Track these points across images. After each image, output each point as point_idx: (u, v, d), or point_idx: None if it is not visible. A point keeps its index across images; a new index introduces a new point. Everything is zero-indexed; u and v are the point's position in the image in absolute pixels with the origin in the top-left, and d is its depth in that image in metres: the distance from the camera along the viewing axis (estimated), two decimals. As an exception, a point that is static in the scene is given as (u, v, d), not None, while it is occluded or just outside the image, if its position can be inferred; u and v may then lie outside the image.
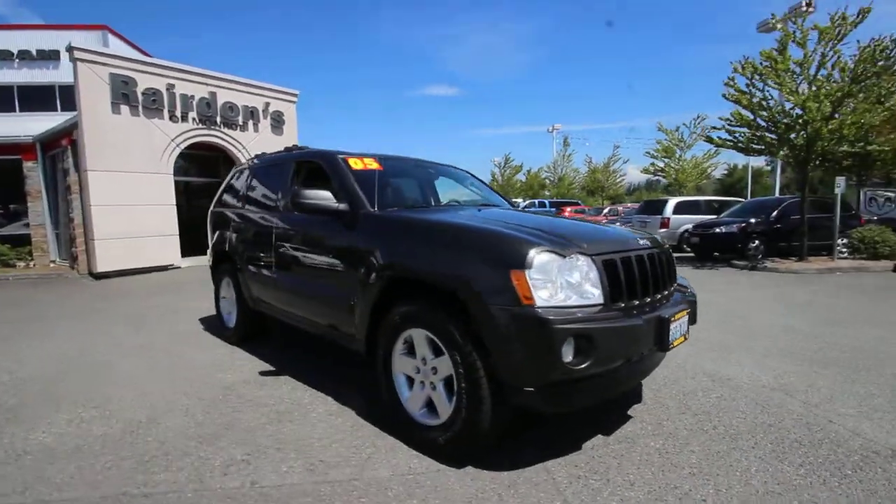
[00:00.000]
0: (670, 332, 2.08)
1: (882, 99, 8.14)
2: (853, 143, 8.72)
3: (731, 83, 9.30)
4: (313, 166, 3.38)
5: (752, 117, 9.43)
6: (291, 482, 1.98)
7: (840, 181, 9.35)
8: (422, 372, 2.24)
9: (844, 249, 9.73)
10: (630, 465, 2.08)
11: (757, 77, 8.87)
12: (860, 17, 7.93)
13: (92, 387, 3.14)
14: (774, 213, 10.32)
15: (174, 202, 10.59)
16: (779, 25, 15.02)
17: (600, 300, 1.94)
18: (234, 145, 11.81)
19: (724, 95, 9.91)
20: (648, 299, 2.16)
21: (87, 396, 2.97)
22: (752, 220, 10.13)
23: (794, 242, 9.70)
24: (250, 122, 12.06)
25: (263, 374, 3.35)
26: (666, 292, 2.32)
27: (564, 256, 1.93)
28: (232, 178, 4.49)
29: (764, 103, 9.07)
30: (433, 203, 3.46)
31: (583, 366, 1.82)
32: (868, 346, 3.81)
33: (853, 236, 9.39)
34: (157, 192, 10.21)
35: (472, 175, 4.07)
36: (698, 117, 18.53)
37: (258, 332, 4.14)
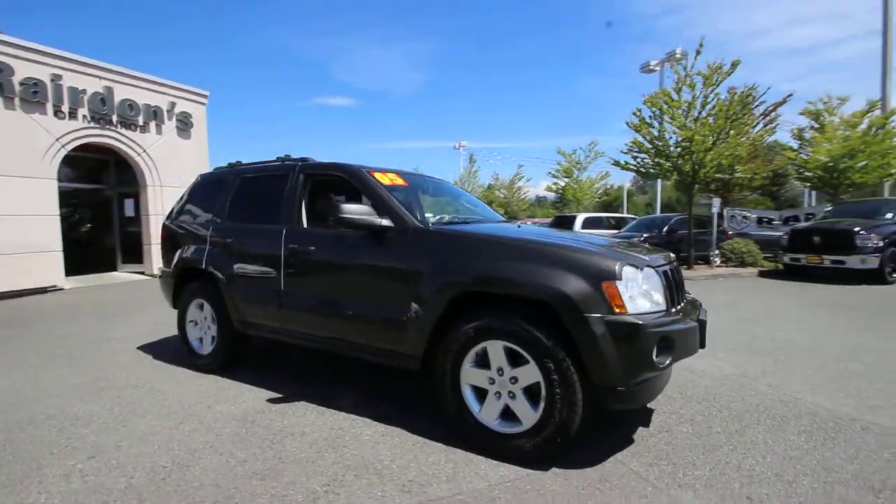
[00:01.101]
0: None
1: (746, 135, 10.07)
2: (725, 170, 10.61)
3: (638, 114, 10.74)
4: (332, 179, 3.26)
5: (649, 146, 10.98)
6: (395, 506, 1.93)
7: (716, 202, 11.27)
8: (497, 382, 2.32)
9: (717, 259, 11.69)
10: (681, 450, 2.38)
11: (657, 111, 10.39)
12: (732, 68, 9.75)
13: (65, 435, 2.64)
14: (665, 227, 12.03)
15: (58, 212, 9.00)
16: (657, 68, 17.59)
17: (664, 306, 2.24)
18: (132, 148, 10.44)
19: (627, 123, 11.40)
20: (681, 306, 2.51)
21: (67, 447, 2.49)
22: (647, 235, 11.70)
23: (682, 253, 11.41)
24: (153, 124, 10.78)
25: (273, 401, 3.10)
26: (685, 300, 2.71)
27: (640, 269, 2.19)
28: (200, 188, 4.07)
29: (661, 134, 10.62)
30: (450, 218, 3.48)
31: (665, 364, 2.08)
32: (785, 336, 4.72)
33: (725, 248, 11.33)
34: (36, 200, 8.60)
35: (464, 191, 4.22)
36: (592, 143, 20.82)
37: (240, 357, 3.79)
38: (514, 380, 2.27)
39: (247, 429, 2.69)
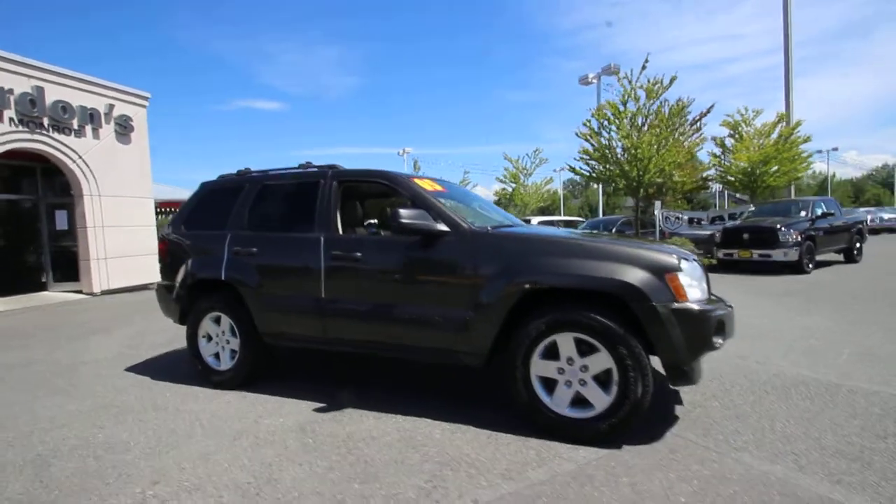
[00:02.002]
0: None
1: (685, 142, 11.17)
2: (666, 175, 11.66)
3: (587, 124, 11.52)
4: (370, 187, 3.28)
5: (598, 154, 11.82)
6: (505, 492, 2.05)
7: (658, 204, 12.31)
8: (567, 372, 2.51)
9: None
10: (723, 420, 2.71)
11: (604, 122, 11.21)
12: (671, 83, 10.77)
13: (107, 464, 2.46)
14: (614, 229, 12.98)
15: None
16: (594, 81, 18.81)
17: (707, 295, 2.56)
18: (67, 154, 9.52)
19: (577, 133, 12.19)
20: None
21: (119, 475, 2.34)
22: (600, 235, 12.57)
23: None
24: (89, 127, 9.90)
25: (320, 410, 3.06)
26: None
27: (689, 261, 2.49)
28: (208, 197, 3.90)
29: (609, 143, 11.48)
30: (499, 221, 3.49)
31: (720, 344, 2.39)
32: (747, 322, 5.34)
33: (667, 246, 12.43)
34: (-44, 213, 7.57)
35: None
36: (536, 150, 21.83)
37: (264, 370, 3.67)
38: (585, 368, 2.48)
39: (312, 438, 2.66)
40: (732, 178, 14.56)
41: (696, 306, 2.34)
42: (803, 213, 10.89)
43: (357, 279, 3.08)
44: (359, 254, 3.06)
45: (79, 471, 2.41)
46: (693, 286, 2.42)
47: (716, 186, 16.62)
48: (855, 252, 11.37)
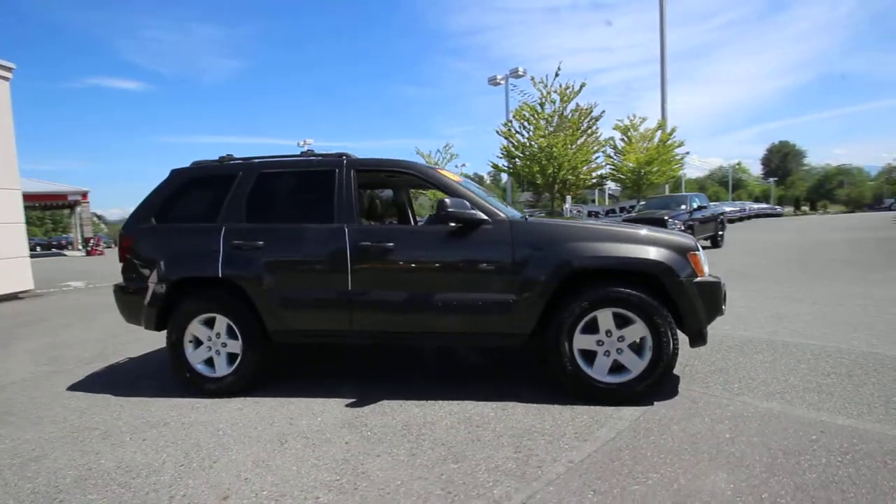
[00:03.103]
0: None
1: (594, 143, 12.47)
2: (578, 172, 12.91)
3: (509, 124, 12.24)
4: (391, 177, 3.23)
5: (517, 151, 12.66)
6: (590, 450, 2.26)
7: (568, 199, 13.56)
8: (606, 343, 2.82)
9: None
10: (712, 375, 3.24)
11: (524, 122, 12.04)
12: (581, 88, 11.92)
13: (148, 488, 2.18)
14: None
15: None
16: (502, 83, 19.83)
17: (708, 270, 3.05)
18: None
19: (497, 131, 12.89)
20: None
21: (172, 497, 2.09)
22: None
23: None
24: (-72, 101, 7.90)
25: (354, 405, 2.99)
26: None
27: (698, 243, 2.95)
28: (187, 186, 3.48)
29: (528, 141, 12.35)
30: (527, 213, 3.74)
31: (724, 310, 2.88)
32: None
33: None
34: None
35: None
36: (447, 145, 22.43)
37: (270, 371, 3.42)
38: (621, 339, 2.80)
39: (370, 431, 2.61)
40: (623, 177, 16.57)
41: (711, 279, 2.80)
42: (683, 207, 12.86)
43: (390, 269, 3.05)
44: (391, 243, 3.03)
45: (115, 498, 2.08)
46: (705, 263, 2.87)
47: (610, 184, 18.77)
48: (719, 238, 13.74)
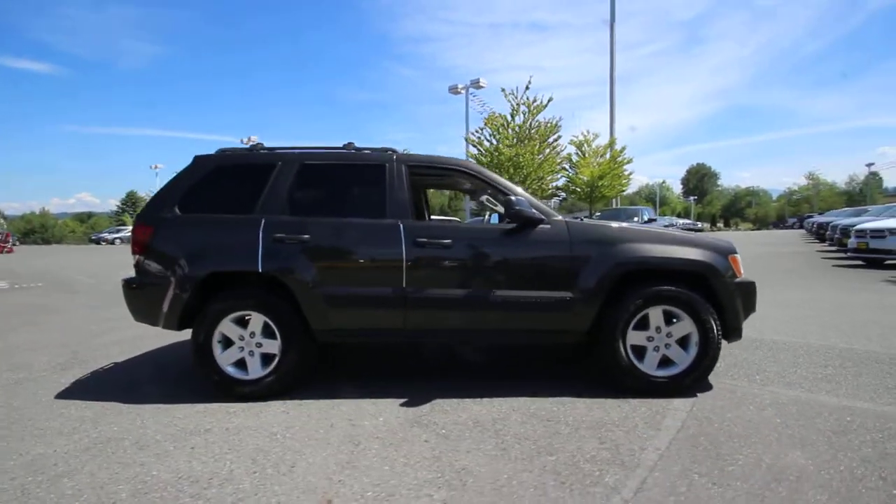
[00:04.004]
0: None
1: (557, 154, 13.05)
2: (543, 182, 13.42)
3: (479, 132, 12.50)
4: (441, 175, 3.21)
5: (485, 160, 12.94)
6: (669, 438, 2.38)
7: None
8: (655, 339, 2.98)
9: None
10: (732, 369, 3.51)
11: (495, 132, 12.36)
12: (548, 102, 12.46)
13: (224, 499, 2.00)
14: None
15: None
16: (462, 91, 20.18)
17: None
18: None
19: (466, 139, 13.11)
20: None
21: None
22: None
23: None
24: None
25: (410, 405, 2.92)
26: None
27: None
28: (217, 173, 3.24)
29: (498, 150, 12.68)
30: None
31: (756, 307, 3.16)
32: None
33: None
34: None
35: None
36: (405, 150, 22.39)
37: (309, 372, 3.24)
38: (669, 335, 2.98)
39: (444, 429, 2.56)
40: (578, 189, 17.45)
41: (748, 279, 3.06)
42: (636, 218, 13.78)
43: (448, 267, 3.02)
44: (448, 240, 3.01)
45: (197, 510, 1.89)
46: (742, 265, 3.14)
47: (561, 195, 19.75)
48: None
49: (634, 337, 2.98)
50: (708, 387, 3.12)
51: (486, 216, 6.17)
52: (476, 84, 20.47)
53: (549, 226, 3.03)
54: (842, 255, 12.64)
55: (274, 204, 3.12)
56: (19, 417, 2.94)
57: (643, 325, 2.99)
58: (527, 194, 3.15)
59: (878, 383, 3.16)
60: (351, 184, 3.22)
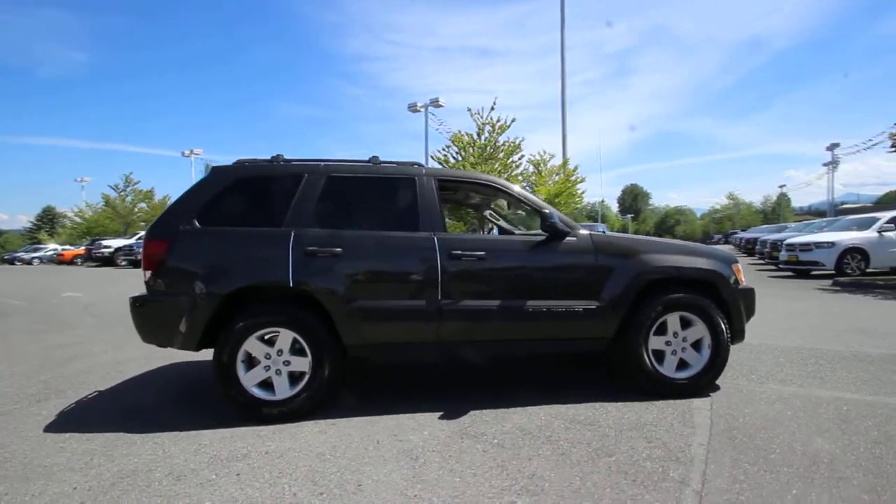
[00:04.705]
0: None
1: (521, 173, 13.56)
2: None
3: (447, 149, 12.75)
4: (469, 190, 3.28)
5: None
6: (710, 434, 2.56)
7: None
8: (673, 343, 3.20)
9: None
10: (728, 370, 3.82)
11: (463, 148, 12.65)
12: (511, 122, 12.97)
13: None
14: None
15: None
16: (421, 110, 20.50)
17: None
18: None
19: (431, 156, 13.31)
20: None
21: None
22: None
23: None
24: None
25: (447, 418, 2.93)
26: None
27: None
28: (239, 185, 3.13)
29: (463, 167, 12.96)
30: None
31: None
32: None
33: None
34: None
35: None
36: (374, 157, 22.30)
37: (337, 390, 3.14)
38: (685, 339, 3.21)
39: (495, 438, 2.59)
40: (535, 206, 18.12)
41: (749, 286, 3.38)
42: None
43: (481, 278, 3.08)
44: (482, 252, 3.08)
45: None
46: (743, 273, 3.46)
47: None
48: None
49: (654, 342, 3.18)
50: (716, 387, 3.37)
51: (487, 229, 6.30)
52: (435, 103, 20.91)
53: (574, 238, 3.19)
54: (773, 267, 14.02)
55: (302, 217, 3.05)
56: (10, 455, 2.62)
57: (661, 330, 3.20)
58: (552, 208, 3.31)
59: (854, 377, 3.56)
60: (381, 197, 3.22)
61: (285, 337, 2.94)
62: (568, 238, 3.17)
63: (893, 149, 9.79)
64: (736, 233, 34.71)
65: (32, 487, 2.25)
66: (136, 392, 3.72)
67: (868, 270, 10.50)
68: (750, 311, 3.39)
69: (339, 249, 2.99)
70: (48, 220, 53.77)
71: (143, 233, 26.06)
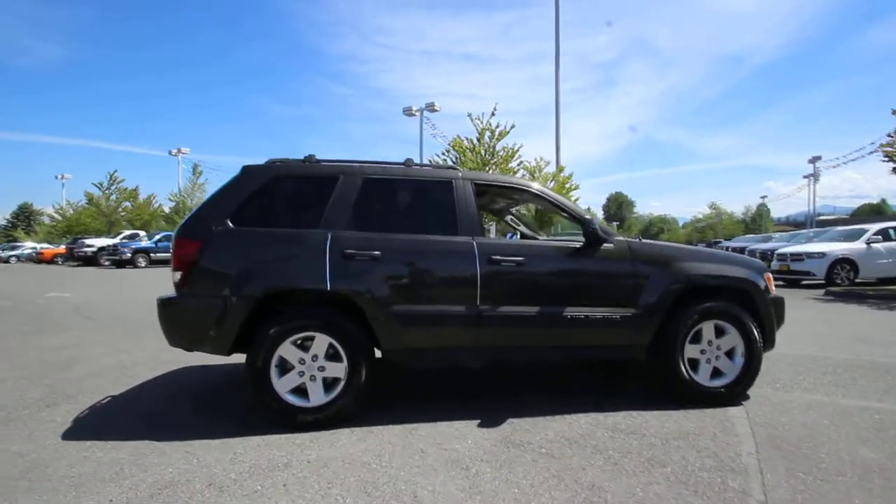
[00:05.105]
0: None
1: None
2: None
3: (446, 154, 12.74)
4: (505, 195, 3.25)
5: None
6: (755, 442, 2.56)
7: (493, 227, 14.42)
8: (707, 352, 3.21)
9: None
10: (769, 376, 3.84)
11: (461, 153, 12.66)
12: (510, 129, 13.04)
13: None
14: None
15: None
16: (417, 114, 20.52)
17: None
18: None
19: (428, 160, 13.28)
20: None
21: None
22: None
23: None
24: None
25: (488, 426, 2.88)
26: None
27: None
28: (273, 185, 3.04)
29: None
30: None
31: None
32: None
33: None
34: None
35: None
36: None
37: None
38: (719, 347, 3.22)
39: (542, 447, 2.55)
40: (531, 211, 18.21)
41: (780, 295, 3.41)
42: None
43: (520, 284, 3.05)
44: (521, 258, 3.05)
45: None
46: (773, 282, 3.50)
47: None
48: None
49: (690, 350, 3.19)
50: (746, 396, 3.39)
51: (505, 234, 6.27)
52: (431, 107, 20.93)
53: (612, 245, 3.18)
54: (762, 276, 14.34)
55: (338, 218, 2.98)
56: (31, 464, 2.48)
57: (696, 339, 3.21)
58: (590, 215, 3.30)
59: (874, 386, 3.62)
60: (418, 200, 3.17)
61: (321, 342, 2.86)
62: (605, 245, 3.17)
63: (886, 160, 10.10)
64: (720, 242, 35.41)
65: (64, 500, 2.13)
66: (151, 397, 3.58)
67: (857, 281, 10.79)
68: (780, 320, 3.43)
69: (377, 252, 2.93)
70: (24, 218, 52.07)
71: (127, 232, 25.40)
